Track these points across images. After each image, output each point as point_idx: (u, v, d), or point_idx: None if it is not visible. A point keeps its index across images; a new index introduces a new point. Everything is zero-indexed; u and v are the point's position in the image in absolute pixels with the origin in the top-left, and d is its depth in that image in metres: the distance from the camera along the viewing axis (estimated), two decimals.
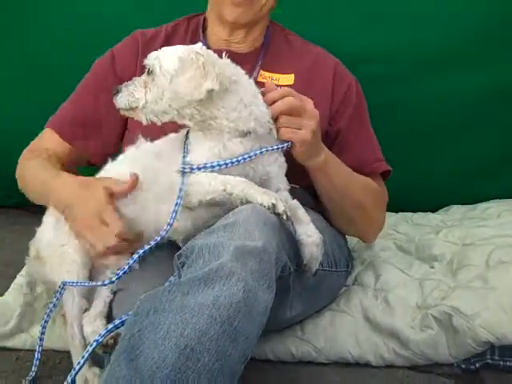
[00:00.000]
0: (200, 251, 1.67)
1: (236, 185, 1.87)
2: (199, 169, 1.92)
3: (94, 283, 1.99)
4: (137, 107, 1.97)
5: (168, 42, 2.44)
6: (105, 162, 2.29)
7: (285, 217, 1.83)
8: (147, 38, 2.48)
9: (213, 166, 1.92)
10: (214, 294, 1.51)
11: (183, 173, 1.93)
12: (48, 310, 2.06)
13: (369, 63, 3.06)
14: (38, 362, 2.09)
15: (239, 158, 1.93)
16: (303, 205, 2.04)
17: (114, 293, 2.02)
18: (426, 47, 3.17)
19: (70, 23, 3.30)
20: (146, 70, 1.97)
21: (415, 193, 3.46)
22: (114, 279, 1.89)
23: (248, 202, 1.84)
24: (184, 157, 1.96)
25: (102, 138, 2.47)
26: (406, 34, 3.17)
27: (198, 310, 1.49)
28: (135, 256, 1.88)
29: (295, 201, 2.03)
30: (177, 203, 1.91)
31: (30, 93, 3.56)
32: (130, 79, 2.22)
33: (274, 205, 1.82)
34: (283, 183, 2.09)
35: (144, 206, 2.03)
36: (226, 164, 1.92)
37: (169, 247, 2.02)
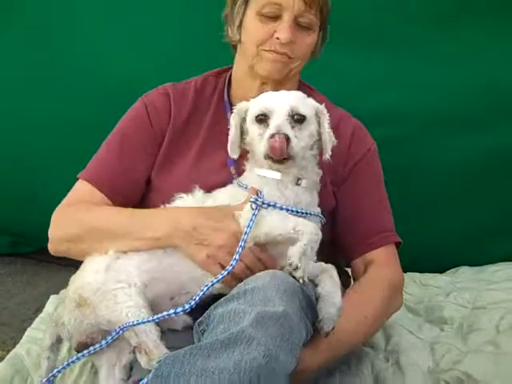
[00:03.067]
0: (221, 318, 1.68)
1: (307, 225, 1.91)
2: (269, 205, 1.97)
3: (156, 316, 1.87)
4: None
5: (197, 98, 2.48)
6: None
7: (301, 281, 1.82)
8: (178, 94, 2.48)
9: (282, 208, 1.98)
10: (234, 359, 1.52)
11: (255, 205, 1.95)
12: (86, 351, 1.93)
13: (379, 125, 3.12)
14: None
15: (308, 211, 2.04)
16: None
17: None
18: (437, 111, 3.27)
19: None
20: (294, 117, 2.00)
21: (423, 253, 3.48)
22: (186, 307, 1.81)
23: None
24: (260, 191, 1.99)
25: (135, 195, 2.40)
26: (415, 98, 3.27)
27: (219, 374, 1.49)
28: (204, 288, 1.84)
29: (330, 265, 2.05)
30: (246, 232, 1.91)
31: (41, 146, 3.64)
32: (163, 133, 2.37)
33: (297, 266, 1.81)
34: None
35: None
36: (294, 211, 2.00)
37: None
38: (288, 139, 1.91)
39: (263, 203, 1.96)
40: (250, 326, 1.59)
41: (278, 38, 2.28)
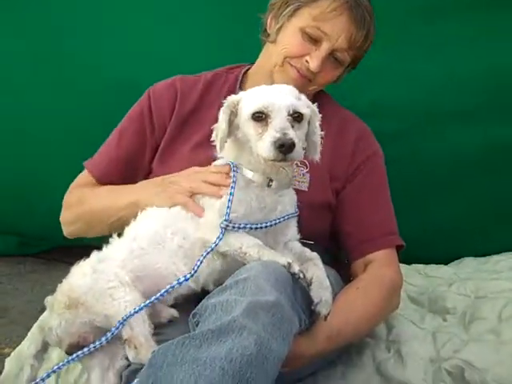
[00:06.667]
0: (213, 308, 1.70)
1: (252, 246, 1.92)
2: (239, 228, 1.95)
3: (155, 296, 1.92)
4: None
5: (205, 92, 2.51)
6: None
7: (302, 275, 1.85)
8: (187, 86, 2.52)
9: (251, 228, 1.96)
10: (226, 348, 1.54)
11: (224, 229, 1.94)
12: (94, 344, 1.92)
13: (377, 118, 3.12)
14: None
15: (272, 222, 2.00)
16: None
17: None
18: (431, 103, 3.29)
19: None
20: (293, 115, 1.92)
21: (428, 245, 3.48)
22: (188, 276, 1.91)
23: None
24: (227, 213, 1.95)
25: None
26: (409, 91, 3.29)
27: (211, 363, 1.52)
28: (198, 262, 1.93)
29: (315, 253, 2.06)
30: (211, 247, 1.94)
31: (48, 145, 3.69)
32: (164, 128, 2.42)
33: (289, 264, 1.85)
34: (295, 233, 2.13)
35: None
36: (264, 227, 1.98)
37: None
38: (293, 144, 1.85)
39: (233, 227, 1.94)
40: (241, 315, 1.61)
41: (307, 62, 2.31)
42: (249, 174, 2.04)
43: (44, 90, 3.66)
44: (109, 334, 1.89)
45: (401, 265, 3.17)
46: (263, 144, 1.89)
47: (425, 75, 3.26)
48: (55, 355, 2.34)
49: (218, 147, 2.02)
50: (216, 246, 1.93)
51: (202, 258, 1.94)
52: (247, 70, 2.60)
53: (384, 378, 2.27)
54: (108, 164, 2.49)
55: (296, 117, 1.93)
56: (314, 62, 2.30)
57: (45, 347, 2.08)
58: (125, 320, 1.88)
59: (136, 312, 1.88)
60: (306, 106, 2.00)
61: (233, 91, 2.47)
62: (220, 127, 2.01)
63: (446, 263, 3.48)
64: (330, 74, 2.40)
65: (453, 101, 3.27)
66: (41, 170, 3.82)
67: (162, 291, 1.91)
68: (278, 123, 1.89)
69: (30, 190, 3.89)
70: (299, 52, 2.32)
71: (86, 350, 1.92)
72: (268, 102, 1.92)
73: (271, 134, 1.87)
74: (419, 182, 3.42)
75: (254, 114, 1.94)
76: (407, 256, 2.95)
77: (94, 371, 2.03)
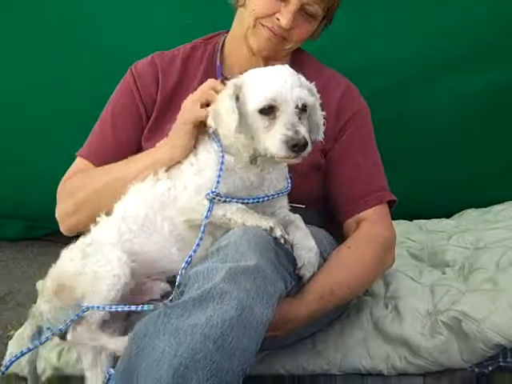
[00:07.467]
0: (195, 277, 1.71)
1: (235, 211, 1.90)
2: (225, 200, 1.92)
3: (121, 307, 1.89)
4: None
5: (185, 66, 2.48)
6: None
7: (282, 240, 1.86)
8: (165, 62, 2.49)
9: (237, 201, 1.94)
10: (207, 314, 1.56)
11: (211, 201, 1.90)
12: (50, 332, 1.97)
13: (368, 77, 3.10)
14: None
15: (260, 199, 1.99)
16: (307, 223, 2.06)
17: None
18: (425, 56, 3.26)
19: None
20: (300, 106, 1.86)
21: (429, 199, 3.48)
22: (151, 307, 1.80)
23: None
24: (217, 185, 1.91)
25: None
26: (403, 45, 3.26)
27: (192, 330, 1.54)
28: (178, 277, 1.84)
29: (297, 215, 2.06)
30: (203, 230, 1.89)
31: (50, 126, 3.72)
32: (152, 104, 2.39)
33: (271, 228, 1.85)
34: (284, 204, 2.11)
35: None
36: (251, 202, 1.97)
37: None
38: (307, 143, 1.80)
39: (219, 199, 1.91)
40: (221, 281, 1.62)
41: (278, 19, 2.26)
42: (231, 160, 1.98)
43: (39, 73, 3.68)
44: (68, 321, 1.92)
45: (402, 221, 3.21)
46: (273, 141, 1.82)
47: (412, 28, 3.22)
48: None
49: (229, 137, 1.91)
50: (205, 226, 1.89)
51: (192, 254, 1.86)
52: (225, 38, 2.56)
53: (382, 334, 2.28)
54: (106, 150, 2.41)
55: (302, 108, 1.88)
56: (284, 18, 2.24)
57: (40, 330, 2.11)
58: (84, 311, 1.90)
59: (98, 308, 1.88)
60: (307, 89, 1.93)
61: (211, 61, 2.48)
62: (230, 116, 1.88)
63: (448, 217, 3.46)
64: (303, 29, 2.34)
65: (442, 52, 3.24)
66: (44, 152, 3.83)
67: (139, 307, 1.84)
68: (288, 118, 1.83)
69: (33, 173, 3.91)
70: (269, 10, 2.27)
71: (49, 334, 1.95)
72: (276, 95, 1.85)
73: (281, 130, 1.81)
74: (417, 138, 3.40)
75: (261, 110, 1.86)
76: (409, 212, 2.94)
77: (86, 356, 2.06)
